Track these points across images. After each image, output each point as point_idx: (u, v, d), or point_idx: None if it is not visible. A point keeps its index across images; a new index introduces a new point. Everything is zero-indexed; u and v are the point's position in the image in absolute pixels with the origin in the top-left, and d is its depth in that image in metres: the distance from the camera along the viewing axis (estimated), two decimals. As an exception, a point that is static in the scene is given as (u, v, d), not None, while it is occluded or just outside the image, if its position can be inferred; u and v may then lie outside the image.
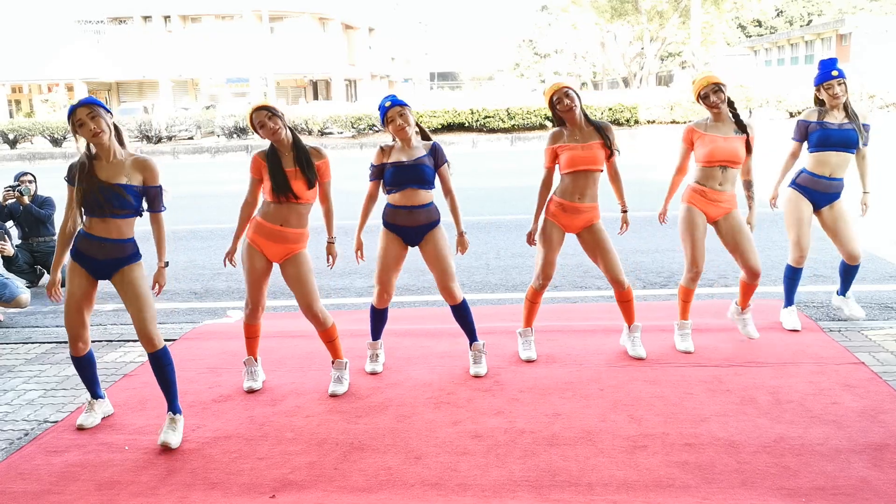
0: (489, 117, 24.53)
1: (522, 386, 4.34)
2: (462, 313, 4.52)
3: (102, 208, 3.66)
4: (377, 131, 25.48)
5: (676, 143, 4.76)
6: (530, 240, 4.61)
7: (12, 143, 27.36)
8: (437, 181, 4.41)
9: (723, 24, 42.71)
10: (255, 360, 4.52)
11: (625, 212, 4.67)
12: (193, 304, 6.70)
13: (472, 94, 38.63)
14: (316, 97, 47.46)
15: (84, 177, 3.65)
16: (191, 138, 28.01)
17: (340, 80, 45.11)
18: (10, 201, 7.30)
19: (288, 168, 4.08)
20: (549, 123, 23.97)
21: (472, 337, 4.58)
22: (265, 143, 4.20)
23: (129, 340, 5.47)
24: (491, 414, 3.99)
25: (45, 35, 41.05)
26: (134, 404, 4.31)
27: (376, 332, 4.68)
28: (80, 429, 3.99)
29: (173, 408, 3.86)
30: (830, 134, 4.82)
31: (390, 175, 4.33)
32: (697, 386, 4.24)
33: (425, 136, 4.49)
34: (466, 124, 24.60)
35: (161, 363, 3.81)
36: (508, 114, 24.51)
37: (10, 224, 7.43)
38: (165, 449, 3.71)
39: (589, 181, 4.47)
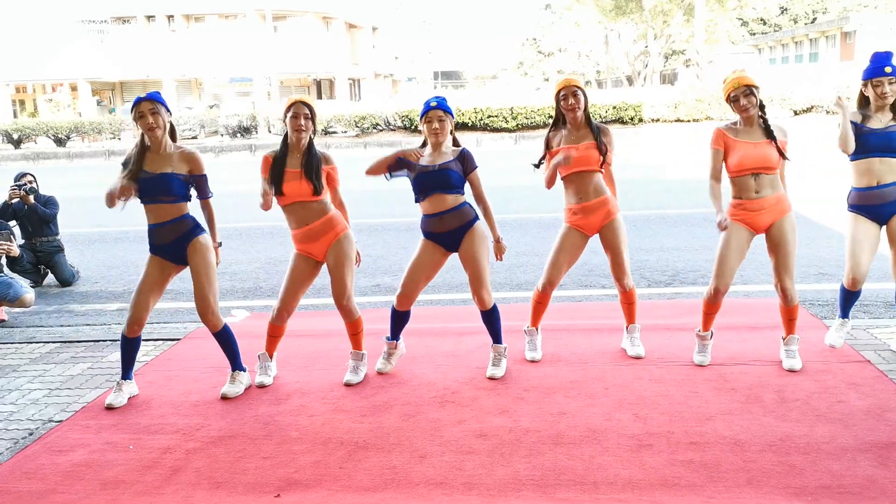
0: (493, 116, 24.53)
1: (527, 385, 4.34)
2: (490, 319, 4.48)
3: (153, 194, 4.10)
4: (381, 130, 25.48)
5: (706, 149, 4.44)
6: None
7: (16, 143, 27.43)
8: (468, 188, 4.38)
9: (727, 21, 42.62)
10: (271, 357, 4.57)
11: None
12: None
13: (476, 93, 38.59)
14: (319, 96, 47.46)
15: (134, 165, 4.11)
16: (194, 138, 28.03)
17: (344, 79, 45.09)
18: (14, 200, 7.31)
19: (292, 168, 4.19)
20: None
21: (496, 339, 4.56)
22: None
23: (133, 340, 5.46)
24: (496, 413, 3.98)
25: (49, 35, 41.09)
26: (139, 403, 4.31)
27: (394, 333, 4.63)
28: (110, 408, 4.23)
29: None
30: (868, 138, 4.31)
31: (417, 183, 4.32)
32: (703, 385, 4.23)
33: (455, 143, 4.47)
34: (470, 123, 24.60)
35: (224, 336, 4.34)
36: (512, 113, 24.50)
37: (13, 223, 7.44)
38: (169, 448, 3.72)
39: (587, 181, 4.45)
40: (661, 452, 3.48)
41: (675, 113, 24.31)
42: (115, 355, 5.15)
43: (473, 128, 24.67)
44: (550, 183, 4.54)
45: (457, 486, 3.28)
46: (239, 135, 26.65)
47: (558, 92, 4.46)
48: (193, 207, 4.25)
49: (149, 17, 44.49)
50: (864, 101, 4.42)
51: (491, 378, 4.44)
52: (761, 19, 52.64)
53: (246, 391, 4.42)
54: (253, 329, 5.65)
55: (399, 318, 4.59)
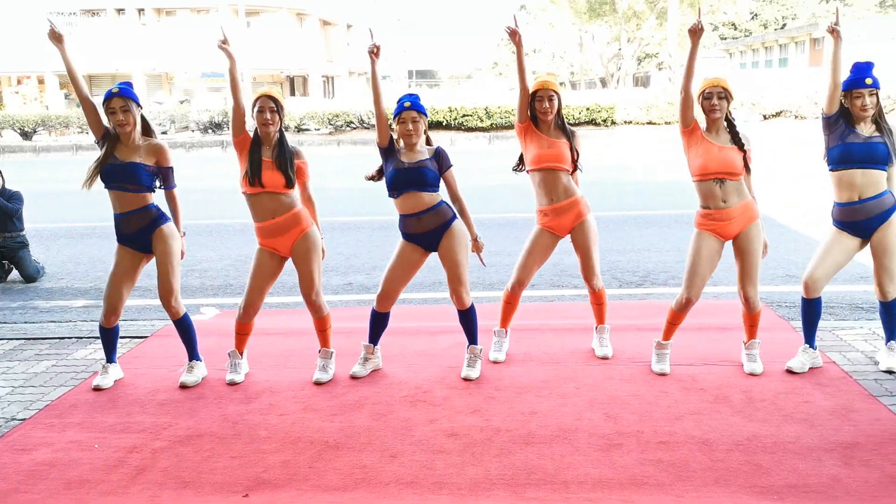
0: (467, 116, 24.53)
1: (499, 384, 4.34)
2: (467, 318, 4.47)
3: (119, 180, 4.18)
4: (354, 128, 25.37)
5: (677, 150, 4.41)
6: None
7: (-19, 136, 26.86)
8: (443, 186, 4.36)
9: (699, 25, 43.01)
10: (241, 354, 4.55)
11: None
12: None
13: (451, 93, 38.62)
14: (293, 93, 47.12)
15: (107, 151, 4.20)
16: (165, 133, 27.66)
17: (318, 76, 44.84)
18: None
19: (266, 158, 4.19)
20: (526, 122, 24.03)
21: (471, 339, 4.54)
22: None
23: (99, 338, 5.37)
24: (467, 412, 3.98)
25: (16, 26, 40.35)
26: (104, 402, 4.25)
27: (373, 336, 4.58)
28: (97, 389, 4.38)
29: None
30: (852, 147, 4.12)
31: (390, 178, 4.28)
32: (672, 385, 4.26)
33: (428, 142, 4.45)
34: (444, 123, 24.57)
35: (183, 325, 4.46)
36: (487, 112, 24.53)
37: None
38: (136, 447, 3.66)
39: (557, 181, 4.45)
40: (630, 452, 3.50)
41: (647, 115, 24.51)
42: (81, 352, 5.07)
43: (448, 127, 24.65)
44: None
45: (427, 485, 3.27)
46: (210, 130, 26.36)
47: (534, 93, 4.46)
48: (159, 198, 4.32)
49: (118, 10, 43.86)
50: (846, 110, 4.23)
51: (466, 379, 4.43)
52: (732, 24, 53.27)
53: (215, 389, 4.37)
54: (223, 327, 5.59)
55: (378, 321, 4.54)
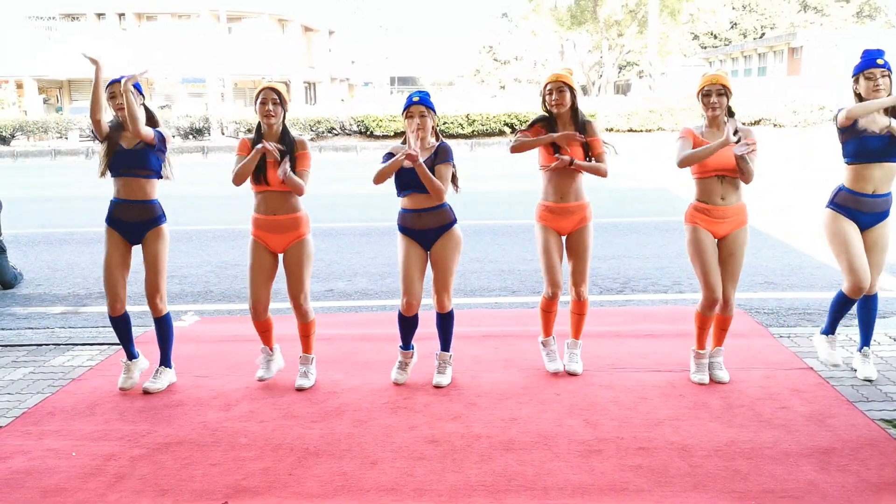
0: (449, 123, 24.60)
1: (479, 391, 4.35)
2: (445, 323, 4.44)
3: (128, 167, 4.20)
4: (336, 134, 25.35)
5: (673, 143, 4.34)
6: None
7: (-42, 141, 26.56)
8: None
9: (679, 35, 43.49)
10: (271, 350, 4.54)
11: (571, 161, 4.29)
12: (146, 307, 6.56)
13: (433, 99, 38.63)
14: (274, 99, 46.94)
15: (112, 141, 4.23)
16: (145, 138, 27.48)
17: (300, 82, 44.75)
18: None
19: (269, 158, 4.16)
20: (507, 130, 24.14)
21: (444, 346, 4.50)
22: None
23: (77, 344, 5.34)
24: (448, 419, 3.98)
25: (-6, 31, 39.95)
26: (82, 409, 4.20)
27: (406, 341, 4.51)
28: (123, 390, 4.39)
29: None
30: (868, 141, 4.08)
31: (397, 178, 4.25)
32: (652, 391, 4.29)
33: (438, 139, 4.37)
34: (426, 129, 24.62)
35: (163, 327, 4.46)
36: (468, 119, 24.61)
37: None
38: (114, 455, 3.63)
39: (570, 180, 4.36)
40: (610, 458, 3.52)
41: (628, 123, 24.71)
42: (58, 359, 5.02)
43: (429, 134, 24.69)
44: (518, 150, 4.42)
45: (407, 492, 3.27)
46: (191, 136, 26.20)
47: (545, 86, 4.37)
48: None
49: (99, 15, 43.58)
50: (858, 98, 4.17)
51: (437, 386, 4.40)
52: (712, 33, 53.83)
53: (194, 397, 4.33)
54: (202, 334, 5.57)
55: (407, 324, 4.43)
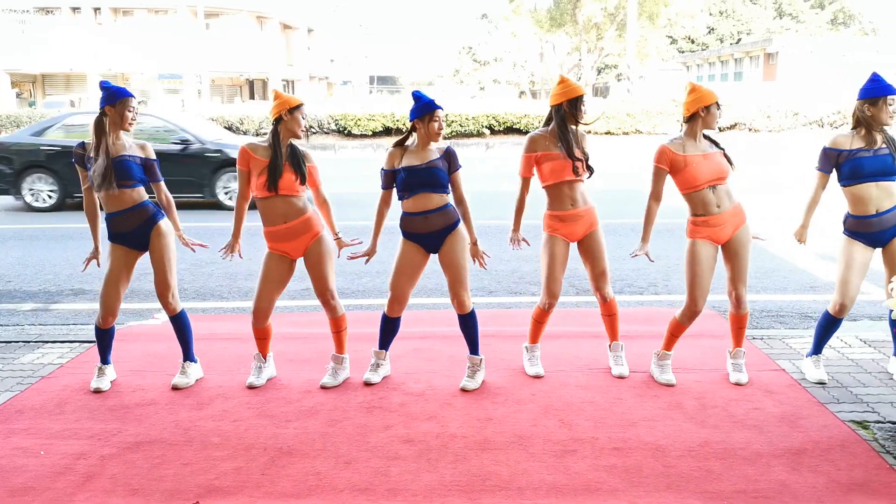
0: (427, 122, 24.57)
1: (455, 391, 4.34)
2: (468, 324, 4.39)
3: (111, 181, 4.16)
4: (314, 133, 25.21)
5: (647, 165, 4.36)
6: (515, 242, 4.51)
7: (-72, 134, 26.06)
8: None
9: (657, 38, 43.85)
10: (265, 358, 4.50)
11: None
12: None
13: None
14: (252, 97, 46.72)
15: (96, 155, 4.16)
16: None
17: (278, 80, 44.52)
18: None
19: (283, 161, 4.18)
20: (486, 132, 24.17)
21: (473, 349, 4.46)
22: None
23: (47, 342, 5.26)
24: (423, 419, 3.97)
25: (-34, 23, 39.32)
26: (51, 408, 4.14)
27: (384, 342, 4.50)
28: (97, 391, 4.34)
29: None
30: (862, 162, 4.10)
31: (402, 180, 4.20)
32: (627, 391, 4.31)
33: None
34: (405, 129, 24.58)
35: (180, 324, 4.46)
36: (447, 120, 24.58)
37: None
38: (83, 453, 3.57)
39: (574, 189, 4.35)
40: (585, 458, 3.53)
41: (606, 125, 24.81)
42: (28, 357, 4.94)
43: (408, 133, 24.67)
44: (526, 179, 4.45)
45: (382, 492, 3.25)
46: (167, 133, 25.99)
47: (576, 97, 4.31)
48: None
49: (74, 9, 43.02)
50: (858, 122, 4.18)
51: (463, 390, 4.34)
52: (689, 38, 54.35)
53: (167, 395, 4.29)
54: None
55: (389, 326, 4.45)
